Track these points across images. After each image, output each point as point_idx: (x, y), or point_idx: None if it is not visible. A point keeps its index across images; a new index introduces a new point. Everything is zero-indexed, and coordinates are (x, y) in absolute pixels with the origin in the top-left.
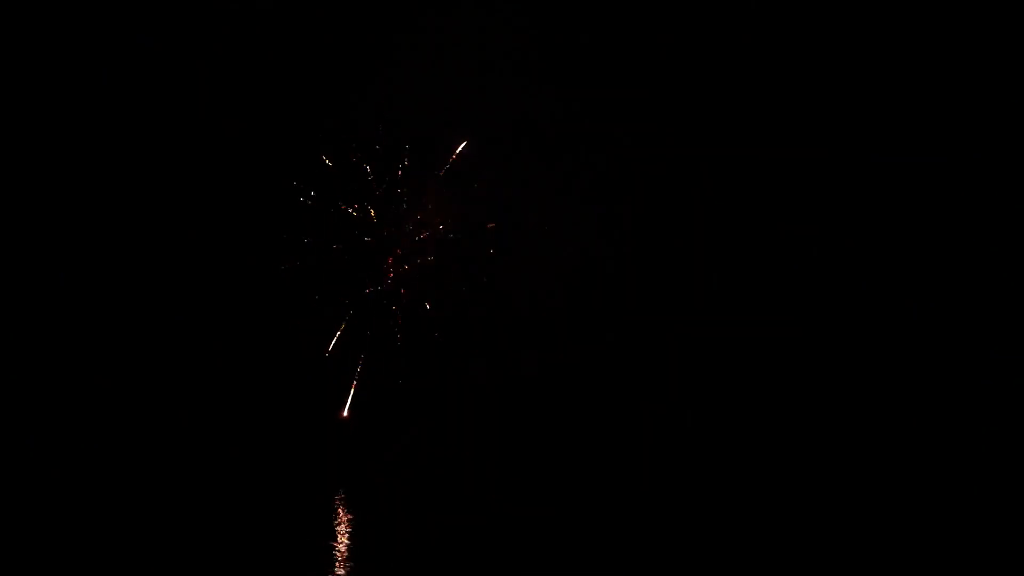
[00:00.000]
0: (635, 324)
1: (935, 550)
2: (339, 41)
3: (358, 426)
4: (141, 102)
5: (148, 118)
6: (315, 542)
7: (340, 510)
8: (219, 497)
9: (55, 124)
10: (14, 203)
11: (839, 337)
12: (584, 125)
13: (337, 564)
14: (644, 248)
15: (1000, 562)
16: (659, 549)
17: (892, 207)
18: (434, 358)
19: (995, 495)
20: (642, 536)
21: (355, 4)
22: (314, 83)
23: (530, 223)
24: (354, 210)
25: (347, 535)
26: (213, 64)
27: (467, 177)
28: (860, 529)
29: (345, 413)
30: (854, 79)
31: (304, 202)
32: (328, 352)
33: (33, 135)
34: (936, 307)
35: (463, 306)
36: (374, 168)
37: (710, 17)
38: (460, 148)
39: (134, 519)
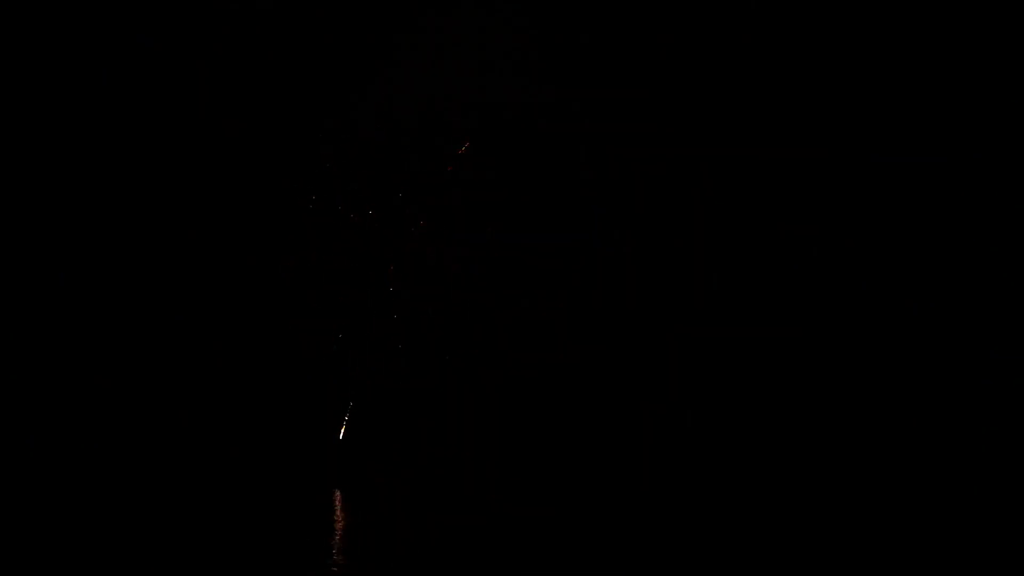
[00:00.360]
0: (635, 324)
1: (935, 550)
2: (339, 41)
3: (358, 426)
4: (141, 102)
5: (148, 118)
6: (313, 542)
7: (339, 510)
8: (218, 497)
9: (55, 124)
10: (14, 203)
11: (839, 337)
12: (584, 125)
13: (336, 564)
14: (644, 248)
15: (1000, 562)
16: (659, 549)
17: (892, 207)
18: (434, 358)
19: (995, 495)
20: (642, 536)
21: (355, 4)
22: (314, 83)
23: (529, 223)
24: (353, 212)
25: (346, 535)
26: (213, 64)
27: (467, 177)
28: (860, 529)
29: (341, 436)
30: (854, 79)
31: (303, 203)
32: (328, 353)
33: (33, 135)
34: (936, 307)
35: (463, 306)
36: (374, 169)
37: (710, 17)
38: (461, 149)
39: (133, 519)
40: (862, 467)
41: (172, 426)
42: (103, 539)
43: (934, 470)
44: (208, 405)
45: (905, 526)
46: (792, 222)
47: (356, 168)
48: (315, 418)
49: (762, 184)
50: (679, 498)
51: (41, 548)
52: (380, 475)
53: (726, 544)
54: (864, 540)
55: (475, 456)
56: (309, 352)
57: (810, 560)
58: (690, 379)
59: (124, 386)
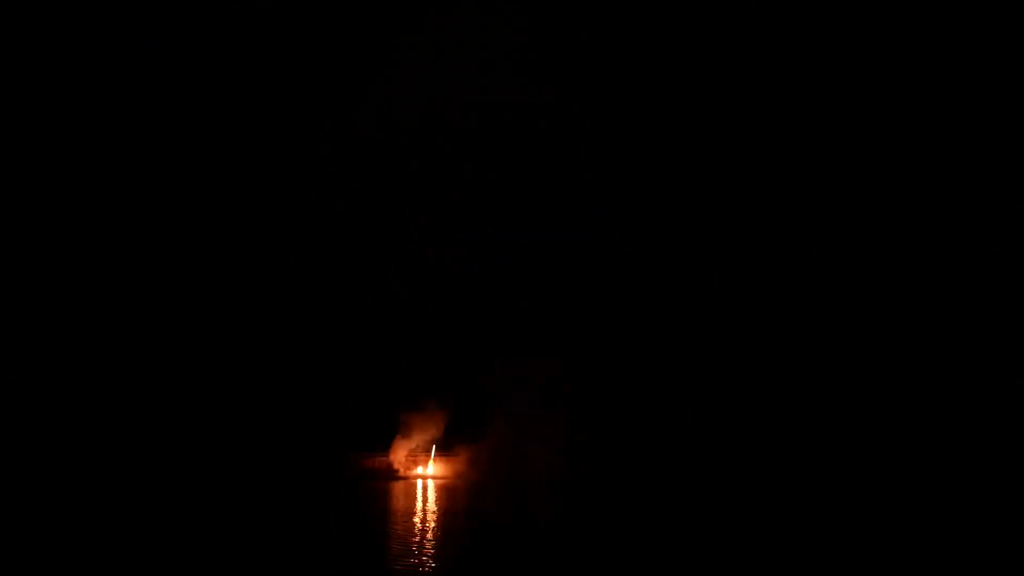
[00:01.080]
0: (635, 324)
1: (935, 550)
2: (339, 41)
3: (357, 425)
4: (141, 102)
5: (148, 118)
6: (314, 542)
7: (340, 510)
8: (219, 497)
9: (56, 124)
10: (15, 203)
11: (839, 337)
12: (584, 125)
13: (337, 564)
14: (644, 248)
15: (1000, 562)
16: (659, 549)
17: (892, 207)
18: (434, 358)
19: (995, 495)
20: (642, 536)
21: (355, 4)
22: (314, 83)
23: (529, 223)
24: (353, 211)
25: (348, 535)
26: (213, 64)
27: (467, 177)
28: (860, 529)
29: (341, 435)
30: (854, 79)
31: (304, 203)
32: (328, 353)
33: (34, 135)
34: (936, 307)
35: (463, 306)
36: (374, 169)
37: (710, 17)
38: (461, 149)
39: (134, 519)
40: (862, 465)
41: (172, 425)
42: (104, 538)
43: (934, 469)
44: (208, 405)
45: (905, 523)
46: (792, 222)
47: (356, 168)
48: (315, 418)
49: (762, 184)
50: (679, 498)
51: (41, 547)
52: (380, 475)
53: (725, 543)
54: (863, 538)
55: (475, 455)
56: (309, 352)
57: (810, 559)
58: (690, 379)
59: (124, 386)
